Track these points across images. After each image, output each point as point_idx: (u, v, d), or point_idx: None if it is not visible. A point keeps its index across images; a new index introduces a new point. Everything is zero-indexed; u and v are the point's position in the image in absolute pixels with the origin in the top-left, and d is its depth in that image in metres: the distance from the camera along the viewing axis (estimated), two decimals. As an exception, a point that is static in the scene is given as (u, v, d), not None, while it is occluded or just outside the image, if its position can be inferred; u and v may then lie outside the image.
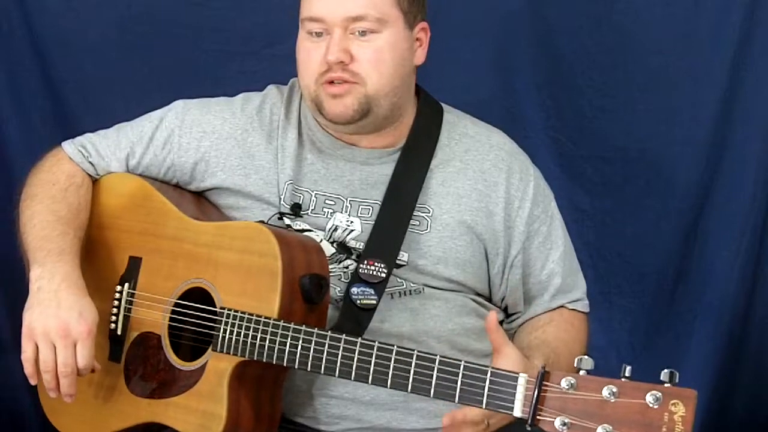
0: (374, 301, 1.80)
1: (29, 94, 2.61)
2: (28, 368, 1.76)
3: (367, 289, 1.80)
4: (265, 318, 1.69)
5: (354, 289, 1.79)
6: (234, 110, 1.95)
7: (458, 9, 2.55)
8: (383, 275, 1.80)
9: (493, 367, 1.54)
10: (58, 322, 1.74)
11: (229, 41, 2.58)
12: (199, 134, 1.93)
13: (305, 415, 1.82)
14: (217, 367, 1.74)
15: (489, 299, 1.93)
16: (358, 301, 1.79)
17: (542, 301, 1.93)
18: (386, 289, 1.82)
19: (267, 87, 2.00)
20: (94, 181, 1.97)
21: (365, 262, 1.81)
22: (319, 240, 1.85)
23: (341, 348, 1.64)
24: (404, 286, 1.85)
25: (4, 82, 2.59)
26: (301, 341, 1.67)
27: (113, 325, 1.88)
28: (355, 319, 1.79)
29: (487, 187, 1.89)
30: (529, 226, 1.90)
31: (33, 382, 1.78)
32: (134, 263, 1.89)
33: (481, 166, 1.90)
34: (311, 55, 1.82)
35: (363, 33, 1.81)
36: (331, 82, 1.81)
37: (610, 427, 1.43)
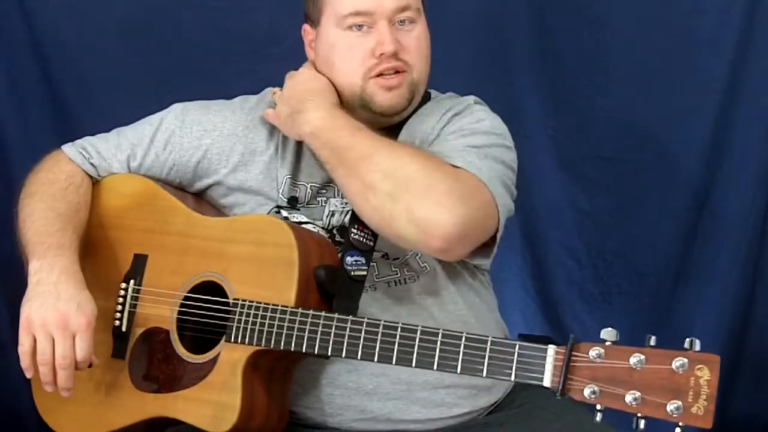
0: (364, 272, 1.81)
1: (29, 94, 2.61)
2: (25, 361, 1.75)
3: (360, 258, 1.81)
4: (282, 306, 1.70)
5: (348, 258, 1.80)
6: (234, 109, 1.96)
7: (458, 9, 2.55)
8: (371, 243, 1.82)
9: (520, 342, 1.56)
10: (56, 314, 1.73)
11: (229, 41, 2.58)
12: (200, 133, 1.94)
13: (311, 407, 1.83)
14: (231, 357, 1.74)
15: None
16: (352, 272, 1.80)
17: None
18: (383, 278, 1.84)
19: (264, 90, 2.00)
20: (96, 183, 1.97)
21: (355, 226, 1.82)
22: (316, 231, 1.86)
23: (363, 330, 1.65)
24: (399, 275, 1.85)
25: (4, 82, 2.59)
26: (321, 326, 1.67)
27: (117, 322, 1.88)
28: (348, 292, 1.79)
29: (443, 117, 1.89)
30: (447, 132, 1.86)
31: (29, 375, 1.77)
32: (139, 260, 1.89)
33: (444, 112, 1.90)
34: (356, 51, 1.83)
35: (403, 23, 1.83)
36: (382, 74, 1.82)
37: (639, 393, 1.46)
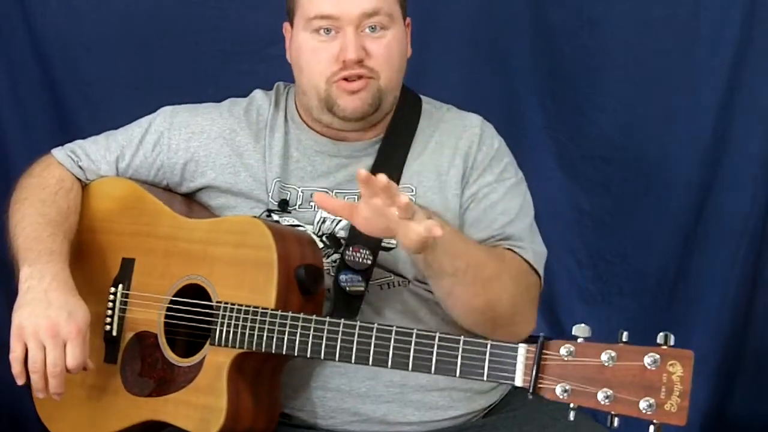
0: (362, 288, 1.81)
1: (29, 94, 2.61)
2: (16, 368, 1.75)
3: (355, 276, 1.81)
4: (263, 308, 1.70)
5: (342, 276, 1.81)
6: (221, 112, 1.96)
7: (458, 9, 2.55)
8: (368, 262, 1.82)
9: (492, 340, 1.55)
10: (47, 321, 1.73)
11: (229, 41, 2.58)
12: (187, 135, 1.94)
13: (303, 409, 1.83)
14: (216, 360, 1.74)
15: None
16: (347, 288, 1.81)
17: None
18: (375, 281, 1.84)
19: (252, 92, 2.00)
20: (85, 186, 1.98)
21: (350, 249, 1.82)
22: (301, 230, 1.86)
23: (340, 332, 1.65)
24: (391, 278, 1.85)
25: (4, 82, 2.59)
26: (299, 328, 1.67)
27: (108, 327, 1.88)
28: (346, 305, 1.80)
29: (462, 158, 1.89)
30: (480, 189, 1.89)
31: (20, 382, 1.77)
32: (127, 264, 1.90)
33: (456, 143, 1.91)
34: (320, 55, 1.82)
35: (373, 29, 1.82)
36: (345, 80, 1.82)
37: (611, 391, 1.44)
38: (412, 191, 1.87)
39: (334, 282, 1.82)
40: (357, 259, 1.82)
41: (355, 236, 1.82)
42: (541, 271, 1.87)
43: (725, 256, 2.55)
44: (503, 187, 1.89)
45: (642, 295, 2.60)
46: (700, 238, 2.57)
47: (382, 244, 1.84)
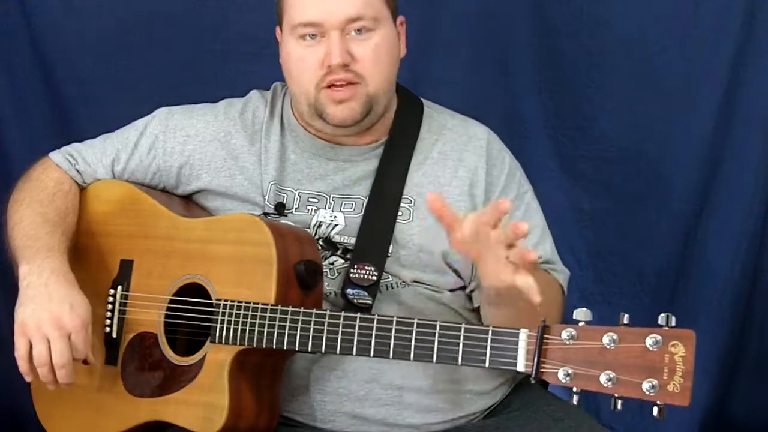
0: (369, 301, 1.82)
1: (29, 94, 2.61)
2: (23, 365, 1.76)
3: (361, 291, 1.81)
4: (262, 304, 1.71)
5: (349, 290, 1.81)
6: (217, 114, 1.96)
7: (458, 8, 2.55)
8: (374, 278, 1.82)
9: (493, 326, 1.55)
10: (50, 315, 1.74)
11: (229, 41, 2.58)
12: (183, 138, 1.94)
13: (302, 413, 1.83)
14: (217, 358, 1.74)
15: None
16: (355, 300, 1.81)
17: None
18: None
19: (249, 92, 2.00)
20: (82, 190, 1.98)
21: (355, 266, 1.82)
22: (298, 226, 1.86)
23: (341, 325, 1.65)
24: (391, 280, 1.85)
25: (4, 82, 2.59)
26: (300, 323, 1.68)
27: (108, 329, 1.89)
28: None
29: (468, 172, 1.90)
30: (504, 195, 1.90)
31: (28, 379, 1.78)
32: (126, 266, 1.90)
33: (461, 155, 1.91)
34: (307, 61, 1.82)
35: (359, 32, 1.81)
36: (332, 86, 1.81)
37: (613, 374, 1.44)
38: (411, 203, 1.87)
39: (341, 293, 1.82)
40: (362, 276, 1.82)
41: (360, 253, 1.83)
42: (566, 291, 1.92)
43: (725, 256, 2.54)
44: (524, 204, 1.92)
45: (642, 295, 2.60)
46: (700, 238, 2.56)
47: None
